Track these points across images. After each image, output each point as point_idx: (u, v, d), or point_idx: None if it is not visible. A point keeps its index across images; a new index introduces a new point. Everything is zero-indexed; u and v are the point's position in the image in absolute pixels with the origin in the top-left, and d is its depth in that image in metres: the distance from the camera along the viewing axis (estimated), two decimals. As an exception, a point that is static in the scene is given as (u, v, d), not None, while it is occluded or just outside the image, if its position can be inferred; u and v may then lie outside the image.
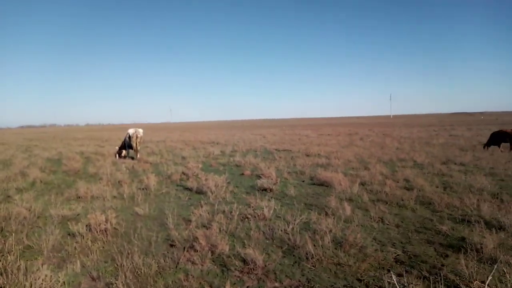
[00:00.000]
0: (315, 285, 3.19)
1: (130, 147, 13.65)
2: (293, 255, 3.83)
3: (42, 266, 3.49)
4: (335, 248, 3.89)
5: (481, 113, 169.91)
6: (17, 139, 36.64)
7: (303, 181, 8.35)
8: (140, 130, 13.53)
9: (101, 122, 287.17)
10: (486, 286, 2.84)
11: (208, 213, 5.29)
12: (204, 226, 4.82)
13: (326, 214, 5.25)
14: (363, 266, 3.46)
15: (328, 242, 3.93)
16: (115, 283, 3.21)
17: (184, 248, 4.01)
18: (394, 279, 2.94)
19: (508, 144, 13.91)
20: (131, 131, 13.40)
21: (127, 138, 13.57)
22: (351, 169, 9.78)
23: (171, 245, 4.22)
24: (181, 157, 14.13)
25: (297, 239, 4.04)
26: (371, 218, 4.93)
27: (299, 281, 3.27)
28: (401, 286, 3.01)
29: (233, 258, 3.73)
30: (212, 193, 6.83)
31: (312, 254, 3.68)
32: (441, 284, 2.99)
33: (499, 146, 14.22)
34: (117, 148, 14.83)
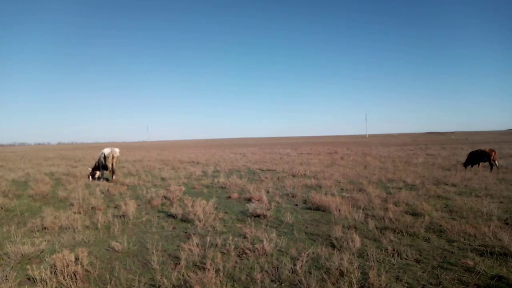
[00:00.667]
0: None
1: (105, 167, 12.61)
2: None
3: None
4: (357, 293, 3.28)
5: (452, 132, 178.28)
6: (-21, 158, 33.93)
7: (296, 205, 7.77)
8: (117, 150, 12.58)
9: (74, 141, 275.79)
10: None
11: (199, 247, 4.55)
12: (196, 265, 4.08)
13: (333, 246, 4.66)
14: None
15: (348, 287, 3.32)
16: None
17: (174, 297, 3.26)
18: None
19: (487, 164, 14.12)
20: (106, 150, 12.42)
21: (102, 158, 12.54)
22: (344, 191, 9.34)
23: (157, 293, 3.46)
24: (160, 178, 13.22)
25: (310, 283, 3.40)
26: (386, 252, 4.36)
27: None
28: None
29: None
30: (200, 221, 6.08)
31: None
32: None
33: (478, 165, 14.39)
34: (90, 169, 13.72)
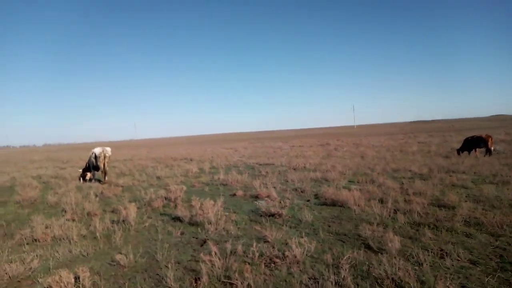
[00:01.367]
0: None
1: (96, 168, 11.81)
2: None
3: None
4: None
5: (436, 120, 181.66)
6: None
7: (308, 201, 7.26)
8: (108, 149, 11.79)
9: (60, 142, 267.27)
10: None
11: (218, 256, 3.95)
12: (220, 280, 3.50)
13: (369, 248, 4.16)
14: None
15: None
16: None
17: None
18: None
19: (483, 149, 13.99)
20: (97, 150, 11.61)
21: (92, 159, 11.72)
22: (353, 183, 8.89)
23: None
24: (156, 177, 12.49)
25: (363, 297, 2.89)
26: (432, 252, 3.86)
27: None
28: None
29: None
30: (210, 225, 5.49)
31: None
32: None
33: (474, 151, 14.24)
34: (80, 170, 12.89)
